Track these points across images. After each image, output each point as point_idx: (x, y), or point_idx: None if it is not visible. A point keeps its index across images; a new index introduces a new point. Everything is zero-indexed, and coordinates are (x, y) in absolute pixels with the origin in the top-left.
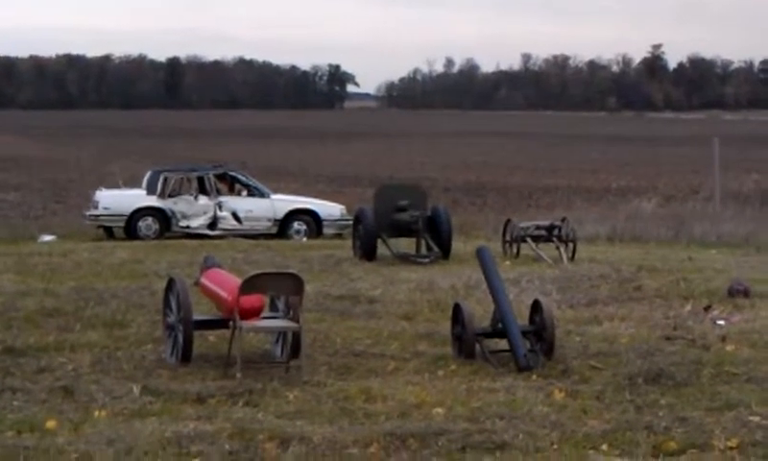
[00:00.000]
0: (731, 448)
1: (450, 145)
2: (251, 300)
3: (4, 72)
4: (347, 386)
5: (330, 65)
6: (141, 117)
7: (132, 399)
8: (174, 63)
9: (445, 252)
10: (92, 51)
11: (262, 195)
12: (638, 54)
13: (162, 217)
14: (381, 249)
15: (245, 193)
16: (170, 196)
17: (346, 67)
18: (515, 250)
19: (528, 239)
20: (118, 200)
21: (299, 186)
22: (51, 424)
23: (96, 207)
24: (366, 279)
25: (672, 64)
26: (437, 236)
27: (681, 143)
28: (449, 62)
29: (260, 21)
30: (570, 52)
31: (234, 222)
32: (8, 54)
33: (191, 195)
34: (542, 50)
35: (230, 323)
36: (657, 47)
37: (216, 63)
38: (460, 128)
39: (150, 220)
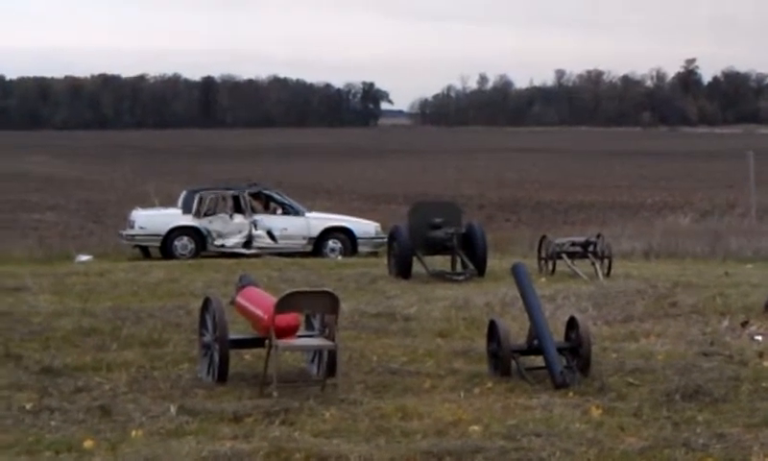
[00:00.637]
0: None
1: (484, 162)
2: (286, 318)
3: (40, 93)
4: (383, 404)
5: (364, 83)
6: (176, 137)
7: (169, 418)
8: (208, 83)
9: (481, 269)
10: (127, 71)
11: (297, 213)
12: (672, 68)
13: (198, 236)
14: (416, 266)
15: (280, 211)
16: (205, 215)
17: (379, 85)
18: (550, 266)
19: (563, 256)
20: (154, 219)
21: (333, 204)
22: (88, 443)
23: (132, 227)
24: (401, 296)
25: (706, 79)
26: (472, 253)
27: (716, 158)
28: (483, 79)
29: (294, 40)
30: (604, 67)
31: (269, 240)
32: (43, 74)
33: (226, 214)
34: (576, 65)
35: (266, 341)
36: (690, 61)
37: (250, 82)
38: (494, 144)
39: (185, 239)
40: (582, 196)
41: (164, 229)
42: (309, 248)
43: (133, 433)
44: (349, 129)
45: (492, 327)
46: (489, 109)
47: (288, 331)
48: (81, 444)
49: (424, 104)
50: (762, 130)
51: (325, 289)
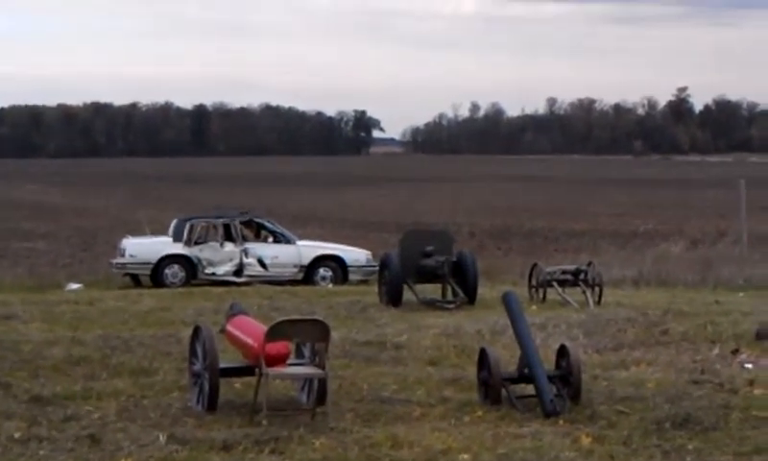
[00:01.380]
0: None
1: (476, 190)
2: (276, 346)
3: (32, 121)
4: (373, 433)
5: (356, 111)
6: (168, 164)
7: (159, 447)
8: (200, 111)
9: (471, 297)
10: (119, 99)
11: (288, 241)
12: (664, 97)
13: (188, 264)
14: (407, 294)
15: (271, 240)
16: (196, 243)
17: (371, 113)
18: (541, 294)
19: (554, 284)
20: (144, 248)
21: (324, 232)
22: None
23: (123, 255)
24: (392, 324)
25: (698, 107)
26: (463, 281)
27: (707, 186)
28: (474, 107)
29: (286, 68)
30: (596, 95)
31: (260, 268)
32: (36, 102)
33: (217, 242)
34: (568, 94)
35: (256, 370)
36: (682, 90)
37: (242, 110)
38: (485, 172)
39: (176, 267)
40: (573, 224)
41: (155, 257)
42: (300, 276)
43: None
44: (341, 157)
45: (483, 355)
46: (480, 138)
47: (278, 360)
48: None
49: (416, 132)
50: (754, 158)
51: (316, 317)
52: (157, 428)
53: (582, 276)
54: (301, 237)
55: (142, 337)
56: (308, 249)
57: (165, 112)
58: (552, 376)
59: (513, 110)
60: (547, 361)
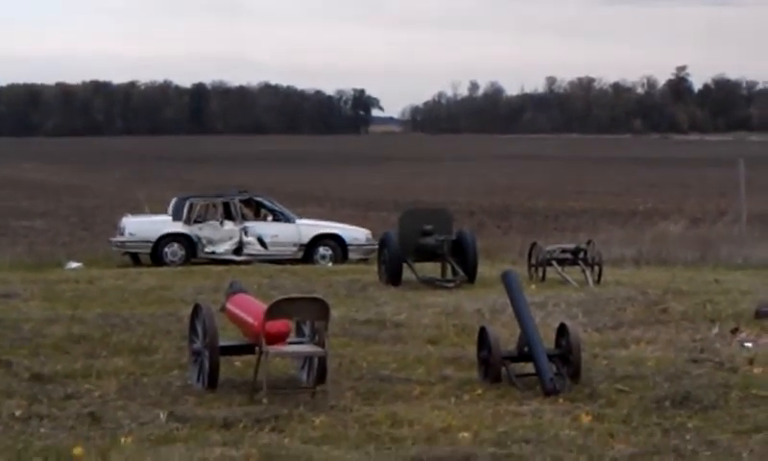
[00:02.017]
0: None
1: (475, 169)
2: (276, 325)
3: (30, 99)
4: (373, 411)
5: (355, 90)
6: (167, 143)
7: (159, 425)
8: (199, 89)
9: (471, 276)
10: (118, 78)
11: (288, 220)
12: (663, 76)
13: (188, 243)
14: (407, 273)
15: (270, 218)
16: (196, 222)
17: (370, 92)
18: (540, 273)
19: (554, 262)
20: (144, 226)
21: (324, 211)
22: (78, 450)
23: (122, 234)
24: (391, 303)
25: (697, 86)
26: (462, 260)
27: (706, 165)
28: (474, 86)
29: (285, 46)
30: (595, 74)
31: (260, 247)
32: (34, 81)
33: (217, 221)
34: (567, 73)
35: (256, 348)
36: (681, 69)
37: (241, 89)
38: (485, 151)
39: (176, 246)
40: (572, 203)
41: (154, 236)
42: (300, 255)
43: (123, 440)
44: (340, 136)
45: (483, 333)
46: (480, 116)
47: (278, 338)
48: (70, 451)
49: (415, 111)
50: (753, 137)
51: (316, 296)
52: (158, 406)
53: (581, 255)
54: (301, 216)
55: (142, 316)
56: (308, 227)
57: (164, 91)
58: (552, 355)
59: (512, 89)
60: (547, 340)
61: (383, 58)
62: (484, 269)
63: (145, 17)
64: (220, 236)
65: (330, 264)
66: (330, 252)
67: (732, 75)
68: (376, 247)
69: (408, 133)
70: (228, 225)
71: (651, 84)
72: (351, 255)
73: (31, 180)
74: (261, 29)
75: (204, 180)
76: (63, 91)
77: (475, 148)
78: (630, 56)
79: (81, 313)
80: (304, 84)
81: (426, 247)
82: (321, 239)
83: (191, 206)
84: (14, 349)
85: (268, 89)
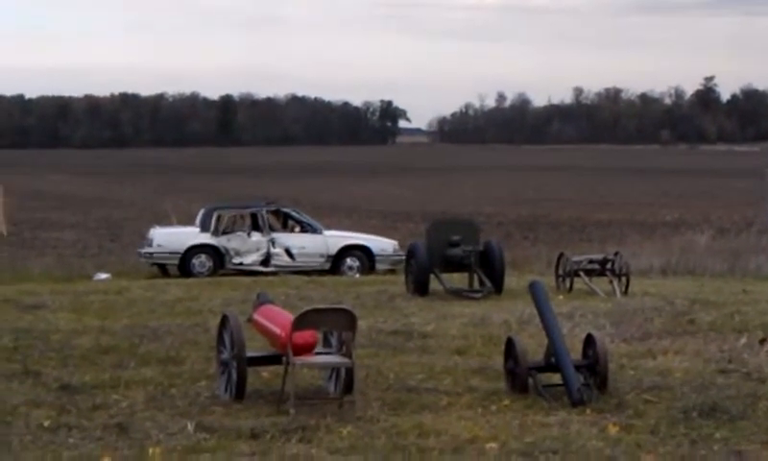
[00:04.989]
0: None
1: (502, 180)
2: (304, 335)
3: (59, 112)
4: (400, 422)
5: (382, 101)
6: (194, 155)
7: (187, 435)
8: (227, 101)
9: (498, 286)
10: (146, 90)
11: (315, 231)
12: (691, 86)
13: (216, 254)
14: (434, 284)
15: (298, 229)
16: (223, 233)
17: (398, 103)
18: (567, 284)
19: (581, 273)
20: (172, 237)
21: (351, 222)
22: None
23: (150, 245)
24: (418, 314)
25: (725, 96)
26: (489, 271)
27: (734, 175)
28: (501, 97)
29: (313, 58)
30: (622, 85)
31: (287, 258)
32: (62, 93)
33: (244, 232)
34: (594, 83)
35: (284, 359)
36: (709, 79)
37: (269, 100)
38: (512, 162)
39: (203, 257)
40: (600, 214)
41: (182, 247)
42: (327, 266)
43: (151, 450)
44: (368, 147)
45: (510, 344)
46: (507, 127)
47: (305, 349)
48: None
49: (442, 122)
50: None
51: (343, 306)
52: (185, 417)
53: (609, 265)
54: (328, 227)
55: (170, 326)
56: (335, 239)
57: (192, 103)
58: (579, 366)
59: (539, 100)
60: (574, 350)
61: (411, 69)
62: (511, 280)
63: (172, 30)
64: (247, 247)
65: (357, 275)
66: (357, 263)
67: (761, 85)
68: (404, 258)
69: (435, 145)
70: (256, 236)
71: (679, 94)
72: (379, 266)
73: (59, 191)
74: (288, 41)
75: (231, 191)
76: (92, 103)
77: (502, 159)
78: (657, 66)
79: (109, 324)
80: (332, 95)
81: (453, 258)
82: (348, 250)
83: (219, 218)
84: (43, 359)
85: (295, 101)
